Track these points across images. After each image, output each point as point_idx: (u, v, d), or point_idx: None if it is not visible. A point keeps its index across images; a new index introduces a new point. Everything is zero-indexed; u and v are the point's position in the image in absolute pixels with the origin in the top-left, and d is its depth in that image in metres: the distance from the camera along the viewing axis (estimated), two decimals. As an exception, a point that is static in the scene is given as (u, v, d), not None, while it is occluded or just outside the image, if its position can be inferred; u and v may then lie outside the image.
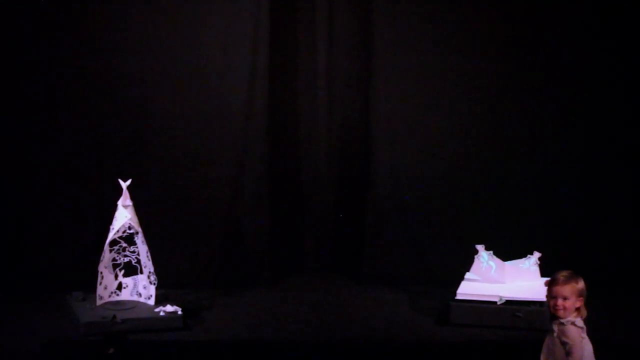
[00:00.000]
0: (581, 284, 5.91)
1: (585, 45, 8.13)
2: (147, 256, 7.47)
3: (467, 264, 7.69)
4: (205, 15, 8.07)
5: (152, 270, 7.47)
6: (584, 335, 5.87)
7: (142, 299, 7.55)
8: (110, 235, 7.39)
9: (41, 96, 8.02)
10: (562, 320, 5.90)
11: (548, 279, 7.64)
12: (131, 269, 7.58)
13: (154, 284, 7.49)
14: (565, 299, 5.90)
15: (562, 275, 5.94)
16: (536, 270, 7.65)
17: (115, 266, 7.55)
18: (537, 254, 7.66)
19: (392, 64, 8.21)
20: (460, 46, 8.17)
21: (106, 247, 7.42)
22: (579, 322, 5.91)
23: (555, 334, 5.90)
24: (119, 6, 8.00)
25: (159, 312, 7.34)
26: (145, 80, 8.08)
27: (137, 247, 7.50)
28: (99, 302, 7.44)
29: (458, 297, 7.48)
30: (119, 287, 7.59)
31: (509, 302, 7.37)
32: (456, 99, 8.24)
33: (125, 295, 7.59)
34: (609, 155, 8.20)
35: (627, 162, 8.20)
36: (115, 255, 7.52)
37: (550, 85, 8.20)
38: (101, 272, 7.46)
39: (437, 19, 8.18)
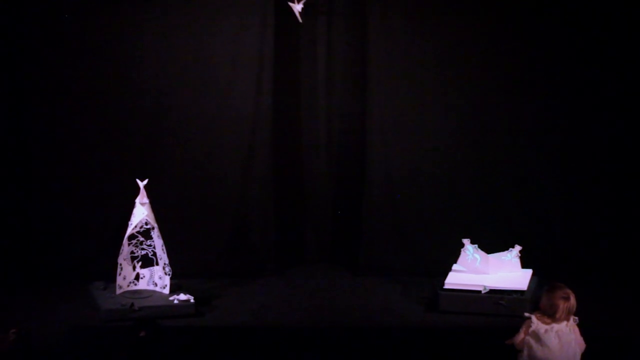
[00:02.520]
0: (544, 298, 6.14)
1: (558, 55, 8.16)
2: (162, 249, 7.52)
3: (454, 257, 7.72)
4: (215, 31, 8.12)
5: (166, 262, 7.52)
6: (529, 332, 6.10)
7: (157, 289, 7.60)
8: (129, 230, 7.45)
9: (70, 106, 8.07)
10: None
11: (530, 270, 7.73)
12: (148, 261, 7.63)
13: (169, 274, 7.54)
14: None
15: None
16: (517, 262, 7.72)
17: (133, 258, 7.60)
18: (518, 247, 7.72)
19: (385, 75, 8.24)
20: (448, 57, 8.19)
21: (125, 241, 7.47)
22: (532, 319, 6.08)
23: None
24: (139, 24, 8.04)
25: (173, 300, 7.39)
26: (161, 91, 8.12)
27: (153, 241, 7.55)
28: (118, 291, 7.50)
29: (446, 286, 7.52)
30: (137, 277, 7.64)
31: (493, 291, 7.41)
32: (444, 106, 8.25)
33: (142, 285, 7.64)
34: (583, 158, 8.21)
35: (600, 163, 8.21)
36: (133, 248, 7.57)
37: (529, 93, 8.21)
38: (120, 264, 7.51)
39: (426, 33, 8.20)
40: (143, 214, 7.39)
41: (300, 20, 7.67)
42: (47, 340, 6.67)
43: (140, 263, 7.61)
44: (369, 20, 8.20)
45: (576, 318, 6.21)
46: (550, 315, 6.14)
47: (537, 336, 6.13)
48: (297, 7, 7.91)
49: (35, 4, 7.90)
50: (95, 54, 8.02)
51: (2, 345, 5.85)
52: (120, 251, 7.48)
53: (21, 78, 8.00)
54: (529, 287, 7.47)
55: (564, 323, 6.14)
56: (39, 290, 7.79)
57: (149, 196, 7.43)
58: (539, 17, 8.10)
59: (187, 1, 8.04)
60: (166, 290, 7.52)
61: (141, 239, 7.55)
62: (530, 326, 6.15)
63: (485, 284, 7.45)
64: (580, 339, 6.23)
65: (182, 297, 7.40)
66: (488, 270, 7.61)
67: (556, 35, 8.12)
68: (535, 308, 6.46)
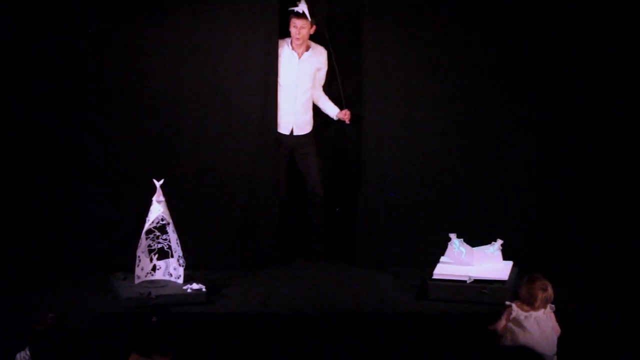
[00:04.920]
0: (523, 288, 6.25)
1: (538, 66, 8.18)
2: (177, 243, 7.55)
3: (442, 250, 7.76)
4: (224, 44, 8.11)
5: (180, 254, 7.55)
6: (510, 318, 6.19)
7: (172, 279, 7.62)
8: (146, 226, 7.48)
9: (94, 113, 8.08)
10: None
11: (511, 262, 7.77)
12: (163, 254, 7.64)
13: (183, 265, 7.57)
14: None
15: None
16: (499, 254, 7.74)
17: (150, 251, 7.61)
18: (499, 241, 7.74)
19: (379, 86, 8.24)
20: (436, 70, 8.21)
21: (143, 235, 7.50)
22: (513, 307, 6.13)
23: None
24: (155, 39, 8.06)
25: (187, 289, 7.43)
26: (176, 98, 8.12)
27: (168, 236, 7.56)
28: (137, 281, 7.53)
29: (434, 277, 7.56)
30: (154, 268, 7.65)
31: (477, 281, 7.45)
32: (433, 113, 8.25)
33: (158, 275, 7.66)
34: (559, 160, 8.24)
35: (575, 166, 8.24)
36: (150, 242, 7.58)
37: (511, 101, 8.22)
38: (139, 256, 7.54)
39: (417, 43, 8.20)
40: (159, 211, 7.43)
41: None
42: (72, 325, 6.62)
43: (156, 255, 7.63)
44: (364, 30, 8.20)
45: (552, 306, 6.29)
46: (530, 304, 6.21)
47: (518, 322, 6.20)
48: (302, 7, 8.01)
49: (63, 21, 7.95)
50: (116, 65, 8.04)
51: (40, 326, 5.93)
52: (139, 245, 7.52)
53: (51, 86, 8.03)
54: (509, 277, 7.53)
55: (542, 310, 6.22)
56: (64, 281, 7.82)
57: (164, 195, 7.47)
58: (525, 29, 8.11)
59: (198, 18, 8.06)
60: (180, 280, 7.56)
61: (157, 233, 7.56)
62: (511, 313, 6.22)
63: (470, 274, 7.50)
64: (556, 325, 6.32)
65: (195, 286, 7.44)
66: (472, 262, 7.65)
67: (538, 45, 8.14)
68: (515, 297, 6.55)
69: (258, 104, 8.19)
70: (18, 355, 6.06)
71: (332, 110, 8.45)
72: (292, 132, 8.38)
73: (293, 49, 8.29)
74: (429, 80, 8.25)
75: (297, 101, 8.34)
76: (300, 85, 8.34)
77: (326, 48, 8.43)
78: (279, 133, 8.34)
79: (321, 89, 8.50)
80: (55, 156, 8.09)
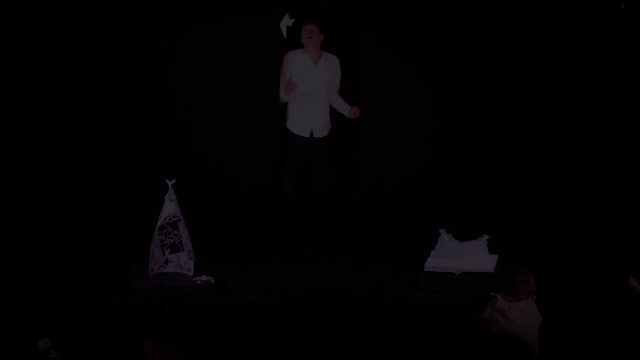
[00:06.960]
0: (507, 281, 6.24)
1: (523, 73, 8.21)
2: (188, 238, 7.59)
3: (433, 244, 7.82)
4: (233, 55, 8.18)
5: (191, 249, 7.60)
6: (495, 309, 6.23)
7: (183, 271, 7.65)
8: (159, 223, 7.52)
9: (112, 117, 8.14)
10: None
11: (496, 256, 7.80)
12: (175, 248, 7.68)
13: (193, 259, 7.61)
14: None
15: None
16: (486, 249, 7.77)
17: (163, 246, 7.64)
18: (486, 237, 7.79)
19: (374, 95, 8.31)
20: (425, 81, 8.26)
21: (156, 231, 7.54)
22: (498, 298, 6.19)
23: None
24: (170, 50, 8.14)
25: (197, 281, 7.47)
26: (190, 107, 8.18)
27: (179, 232, 7.60)
28: (150, 274, 7.57)
29: (426, 269, 7.60)
30: (166, 262, 7.67)
31: (465, 274, 7.49)
32: (424, 119, 8.31)
33: (170, 269, 7.68)
34: (541, 161, 8.26)
35: (552, 165, 8.26)
36: (163, 237, 7.61)
37: (497, 106, 8.26)
38: (152, 251, 7.58)
39: (410, 55, 8.25)
40: (171, 208, 7.48)
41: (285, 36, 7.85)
42: (92, 313, 6.55)
43: (169, 250, 7.68)
44: (361, 50, 8.27)
45: (534, 297, 6.32)
46: (513, 295, 6.26)
47: (502, 312, 6.26)
48: (288, 22, 8.05)
49: (80, 28, 8.00)
50: (134, 75, 8.12)
51: (62, 315, 5.97)
52: (153, 240, 7.58)
53: (71, 90, 8.08)
54: (495, 270, 7.59)
55: (524, 301, 6.25)
56: (85, 273, 7.86)
57: (176, 194, 7.52)
58: (514, 37, 8.15)
59: (208, 27, 8.12)
60: (191, 273, 7.61)
61: (170, 229, 7.60)
62: (496, 304, 6.26)
63: (459, 267, 7.55)
64: (538, 314, 6.35)
65: (204, 278, 7.49)
66: (461, 256, 7.69)
67: (525, 53, 8.17)
68: (500, 288, 6.59)
69: (263, 108, 8.24)
70: (41, 342, 6.13)
71: (345, 109, 8.52)
72: (311, 134, 8.45)
73: (308, 57, 8.36)
74: (418, 92, 8.29)
75: (315, 106, 8.43)
76: (318, 92, 8.42)
77: (337, 56, 8.54)
78: (298, 136, 8.45)
79: (337, 92, 8.57)
80: (77, 160, 8.12)
